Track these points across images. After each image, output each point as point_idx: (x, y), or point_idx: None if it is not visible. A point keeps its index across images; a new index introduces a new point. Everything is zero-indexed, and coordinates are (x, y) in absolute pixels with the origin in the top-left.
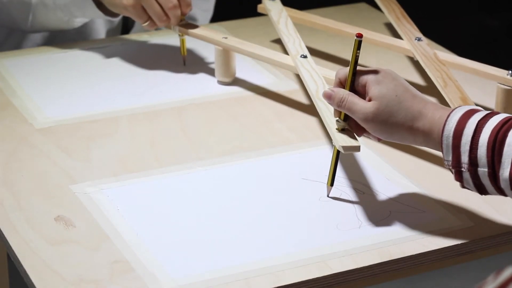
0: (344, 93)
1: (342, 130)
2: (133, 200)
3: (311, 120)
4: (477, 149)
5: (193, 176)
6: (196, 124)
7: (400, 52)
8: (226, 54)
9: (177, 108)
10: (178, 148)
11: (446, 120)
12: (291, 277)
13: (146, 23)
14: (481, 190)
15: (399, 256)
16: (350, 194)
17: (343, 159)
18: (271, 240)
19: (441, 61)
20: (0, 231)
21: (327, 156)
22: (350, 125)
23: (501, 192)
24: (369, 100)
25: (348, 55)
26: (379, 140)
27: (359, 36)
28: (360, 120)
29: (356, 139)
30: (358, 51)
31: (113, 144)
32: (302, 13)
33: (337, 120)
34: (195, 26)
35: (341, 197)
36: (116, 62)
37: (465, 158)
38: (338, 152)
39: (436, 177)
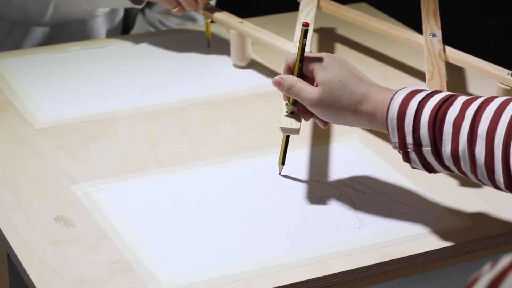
0: (293, 79)
1: (291, 113)
2: (133, 200)
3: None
4: (419, 129)
5: (193, 176)
6: (196, 124)
7: (416, 47)
8: (241, 39)
9: (177, 108)
10: (178, 148)
11: (390, 103)
12: (291, 277)
13: (176, 9)
14: (429, 169)
15: (399, 256)
16: (350, 194)
17: (344, 159)
18: (271, 240)
19: (442, 57)
20: (0, 231)
21: (328, 156)
22: (298, 109)
23: (447, 169)
24: (316, 86)
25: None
26: (326, 124)
27: (306, 25)
28: (307, 105)
29: (300, 121)
30: (305, 39)
31: (113, 144)
32: (340, 6)
33: (286, 104)
34: (218, 10)
35: (341, 197)
36: (116, 62)
37: (409, 138)
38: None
39: (436, 177)
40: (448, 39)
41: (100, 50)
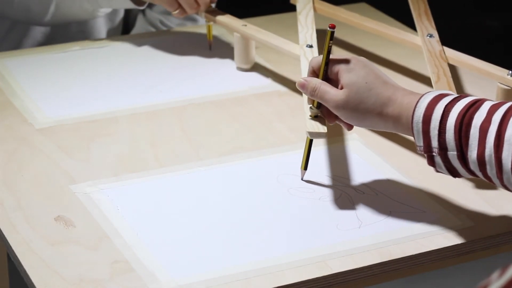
0: (317, 82)
1: (315, 117)
2: (133, 200)
3: None
4: (445, 133)
5: (193, 176)
6: (196, 124)
7: (412, 47)
8: (245, 42)
9: (177, 108)
10: (178, 148)
11: (415, 106)
12: (291, 277)
13: (176, 11)
14: (454, 173)
15: (399, 256)
16: (350, 194)
17: (344, 159)
18: (271, 240)
19: (443, 58)
20: (0, 231)
21: (328, 156)
22: (322, 112)
23: (472, 173)
24: (341, 88)
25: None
26: (350, 127)
27: (332, 27)
28: (332, 108)
29: (325, 125)
30: (331, 42)
31: (113, 144)
32: (335, 8)
33: (310, 107)
34: (220, 13)
35: (341, 197)
36: (116, 62)
37: (434, 142)
38: (311, 139)
39: (436, 177)
40: (447, 39)
41: (100, 50)
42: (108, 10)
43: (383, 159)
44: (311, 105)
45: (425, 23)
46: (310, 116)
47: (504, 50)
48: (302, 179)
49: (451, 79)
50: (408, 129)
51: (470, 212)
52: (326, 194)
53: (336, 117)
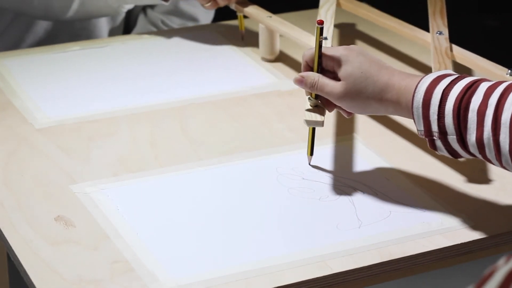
0: (315, 76)
1: (315, 107)
2: (133, 200)
3: None
4: (444, 117)
5: (193, 176)
6: (196, 124)
7: (422, 44)
8: (270, 33)
9: (177, 108)
10: (178, 148)
11: (415, 90)
12: (291, 277)
13: (209, 4)
14: (454, 155)
15: (399, 256)
16: (350, 194)
17: (344, 159)
18: (270, 240)
19: (448, 55)
20: (0, 231)
21: (328, 156)
22: (321, 101)
23: (472, 155)
24: (338, 80)
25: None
26: (350, 114)
27: (320, 23)
28: (333, 100)
29: (323, 115)
30: (321, 37)
31: (113, 144)
32: (358, 3)
33: (309, 98)
34: (248, 4)
35: (341, 197)
36: (116, 62)
37: (434, 127)
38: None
39: (437, 177)
40: (449, 38)
41: (101, 50)
42: (131, 6)
43: (383, 159)
44: (309, 96)
45: (438, 21)
46: (310, 106)
47: (505, 50)
48: (309, 164)
49: None
50: (409, 112)
51: (470, 212)
52: (326, 194)
53: (336, 105)
